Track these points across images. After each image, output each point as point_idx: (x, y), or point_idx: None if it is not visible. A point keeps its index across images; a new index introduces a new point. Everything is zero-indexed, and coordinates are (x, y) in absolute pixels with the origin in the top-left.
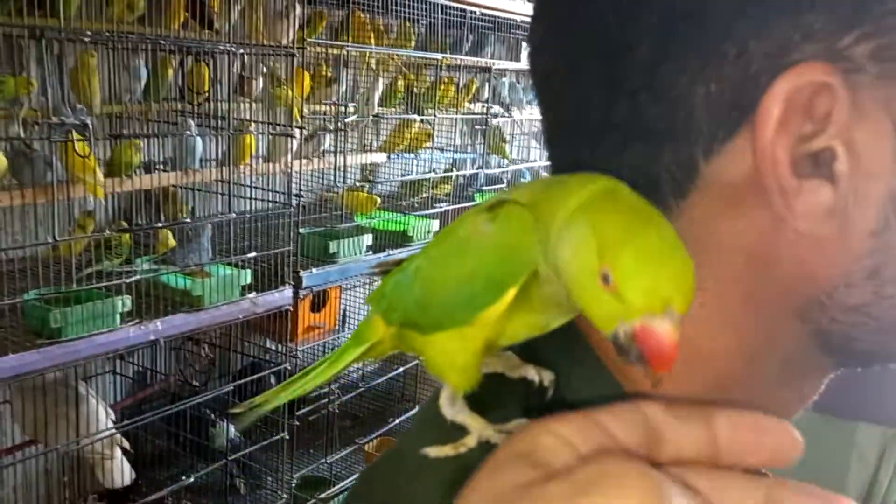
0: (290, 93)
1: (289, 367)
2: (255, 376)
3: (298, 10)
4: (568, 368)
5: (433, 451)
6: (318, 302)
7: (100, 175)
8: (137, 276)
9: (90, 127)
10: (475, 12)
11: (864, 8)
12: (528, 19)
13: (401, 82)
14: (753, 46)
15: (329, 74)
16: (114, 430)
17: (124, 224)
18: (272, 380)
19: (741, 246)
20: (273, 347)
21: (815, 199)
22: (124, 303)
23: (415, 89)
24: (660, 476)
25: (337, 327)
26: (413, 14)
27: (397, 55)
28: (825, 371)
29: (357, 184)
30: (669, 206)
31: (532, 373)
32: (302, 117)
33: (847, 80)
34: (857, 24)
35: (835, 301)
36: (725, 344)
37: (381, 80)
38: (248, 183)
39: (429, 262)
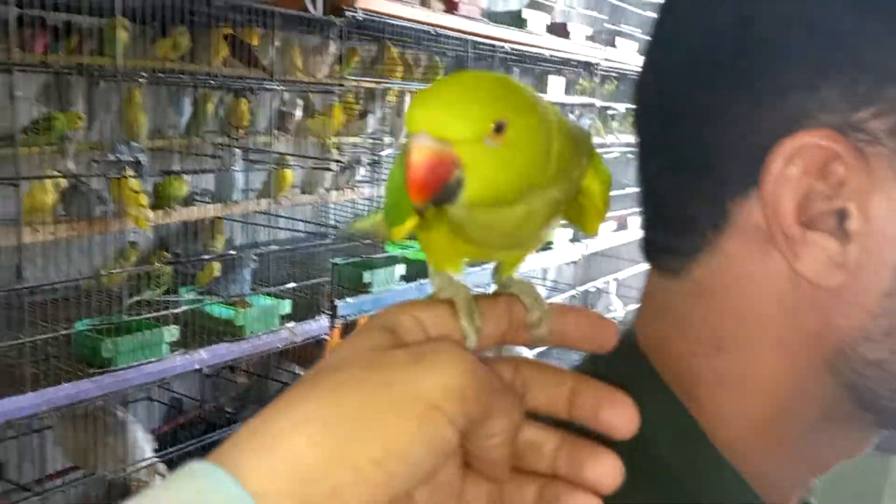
0: (327, 127)
1: None
2: None
3: (333, 47)
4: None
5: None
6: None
7: (147, 209)
8: (184, 307)
9: (143, 164)
10: (503, 46)
11: (882, 87)
12: (554, 52)
13: None
14: (771, 109)
15: (361, 107)
16: (156, 459)
17: (166, 254)
18: None
19: (772, 288)
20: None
21: (820, 250)
22: (171, 332)
23: None
24: (476, 360)
25: None
26: (442, 48)
27: None
28: (870, 427)
29: None
30: (708, 239)
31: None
32: (339, 150)
33: (862, 150)
34: (875, 102)
35: (857, 353)
36: (762, 386)
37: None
38: (286, 214)
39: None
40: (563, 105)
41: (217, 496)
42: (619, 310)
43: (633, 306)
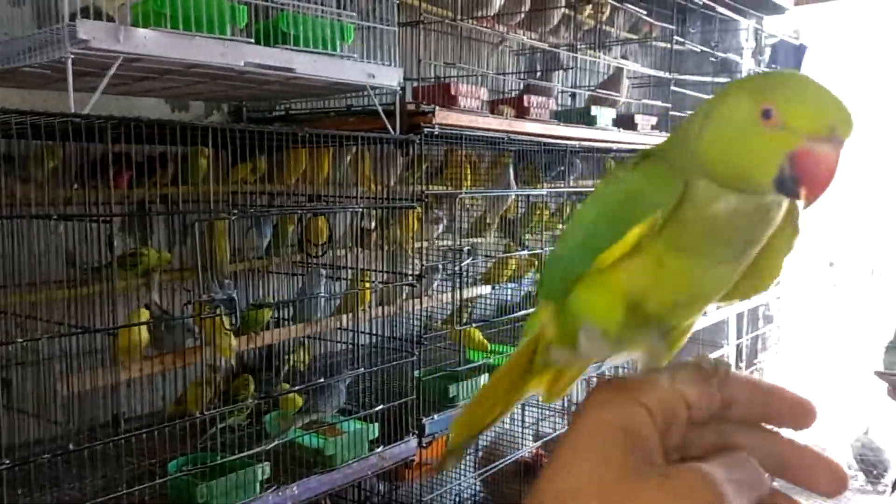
0: (403, 237)
1: None
2: None
3: (400, 161)
4: None
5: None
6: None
7: (233, 339)
8: (276, 442)
9: (235, 300)
10: (575, 146)
11: None
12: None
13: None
14: None
15: (435, 214)
16: None
17: (248, 377)
18: None
19: None
20: (384, 489)
21: None
22: (264, 470)
23: (511, 217)
24: (727, 488)
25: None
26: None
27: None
28: None
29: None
30: None
31: (708, 360)
32: (422, 265)
33: None
34: None
35: None
36: None
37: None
38: (365, 329)
39: (571, 220)
40: None
41: None
42: None
43: None
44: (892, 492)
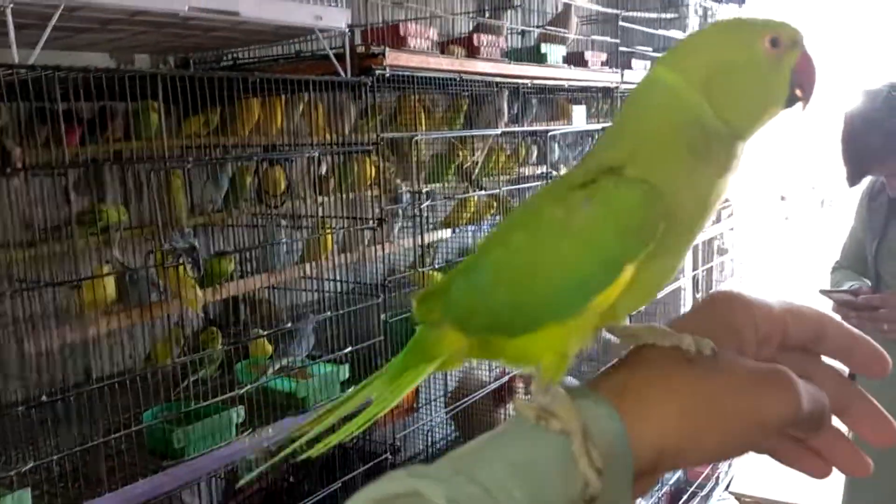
0: (360, 183)
1: (390, 457)
2: (360, 470)
3: (353, 107)
4: None
5: (520, 406)
6: None
7: (198, 290)
8: (249, 387)
9: (197, 249)
10: (527, 84)
11: None
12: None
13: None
14: None
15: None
16: None
17: (216, 330)
18: (363, 466)
19: None
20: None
21: None
22: (239, 414)
23: (468, 161)
24: (806, 395)
25: (414, 404)
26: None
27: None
28: None
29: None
30: None
31: (688, 341)
32: (381, 210)
33: None
34: None
35: None
36: None
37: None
38: (330, 276)
39: (515, 254)
40: (586, 132)
41: (608, 423)
42: None
43: None
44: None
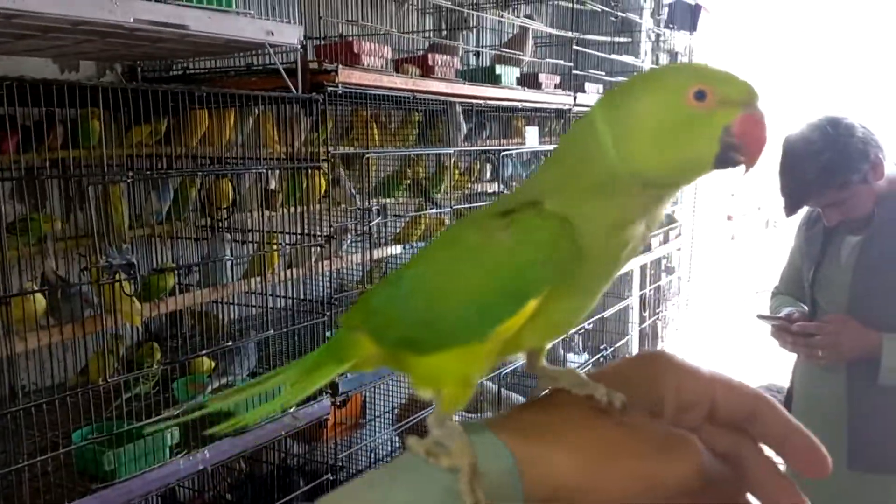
0: (311, 198)
1: (331, 477)
2: (301, 490)
3: (305, 121)
4: None
5: (412, 442)
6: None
7: (136, 303)
8: (184, 407)
9: (136, 265)
10: (481, 104)
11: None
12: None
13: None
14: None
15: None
16: None
17: (155, 345)
18: (304, 486)
19: None
20: (301, 451)
21: None
22: (173, 435)
23: (421, 177)
24: (708, 460)
25: (360, 420)
26: (417, 106)
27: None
28: None
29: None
30: None
31: (601, 392)
32: (330, 226)
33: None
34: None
35: None
36: None
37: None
38: (275, 292)
39: (431, 272)
40: (539, 152)
41: (500, 461)
42: None
43: None
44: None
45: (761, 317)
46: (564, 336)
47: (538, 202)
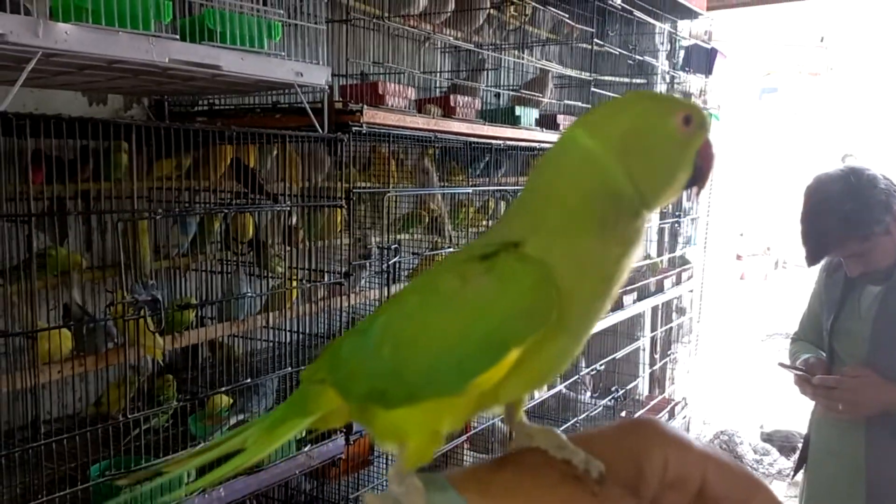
0: (330, 233)
1: None
2: None
3: (328, 160)
4: None
5: (370, 499)
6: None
7: (159, 338)
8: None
9: (161, 301)
10: (500, 144)
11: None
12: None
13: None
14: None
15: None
16: None
17: (170, 378)
18: None
19: None
20: (309, 487)
21: None
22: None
23: (437, 216)
24: None
25: (368, 457)
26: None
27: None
28: None
29: None
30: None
31: (580, 458)
32: (350, 263)
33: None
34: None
35: None
36: None
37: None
38: (290, 327)
39: (403, 319)
40: None
41: None
42: None
43: None
44: (794, 476)
45: (782, 365)
46: (565, 378)
47: (518, 243)
